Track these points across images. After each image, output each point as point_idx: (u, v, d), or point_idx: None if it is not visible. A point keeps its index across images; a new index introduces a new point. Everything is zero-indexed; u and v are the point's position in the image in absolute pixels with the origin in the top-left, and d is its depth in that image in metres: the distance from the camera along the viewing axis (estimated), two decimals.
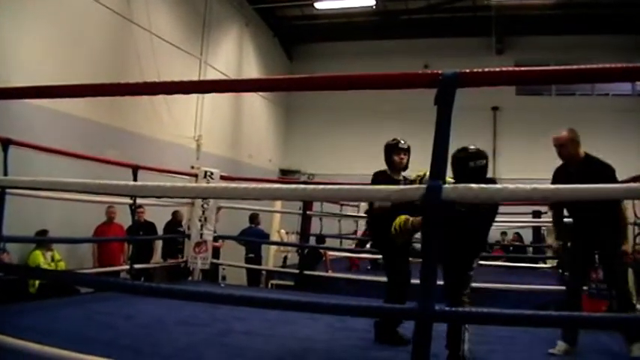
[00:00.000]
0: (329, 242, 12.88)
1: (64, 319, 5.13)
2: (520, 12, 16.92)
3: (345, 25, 18.82)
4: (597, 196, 3.35)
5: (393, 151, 5.08)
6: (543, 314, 2.70)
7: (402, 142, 5.10)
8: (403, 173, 5.15)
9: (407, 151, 5.10)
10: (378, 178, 5.03)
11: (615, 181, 4.46)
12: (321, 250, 10.79)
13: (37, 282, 7.88)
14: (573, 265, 4.84)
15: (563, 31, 17.11)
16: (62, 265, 8.56)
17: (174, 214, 10.54)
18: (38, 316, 5.14)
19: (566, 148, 4.72)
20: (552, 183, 4.81)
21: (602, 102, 17.70)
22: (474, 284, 7.18)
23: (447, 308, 2.59)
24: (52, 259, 8.41)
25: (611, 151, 16.14)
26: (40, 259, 8.22)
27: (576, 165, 4.70)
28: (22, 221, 7.96)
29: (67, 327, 4.75)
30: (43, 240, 8.34)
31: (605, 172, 4.49)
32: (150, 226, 10.19)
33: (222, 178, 8.55)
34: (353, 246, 13.28)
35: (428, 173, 2.49)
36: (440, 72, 2.37)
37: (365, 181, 5.18)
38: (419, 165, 4.27)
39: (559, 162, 4.80)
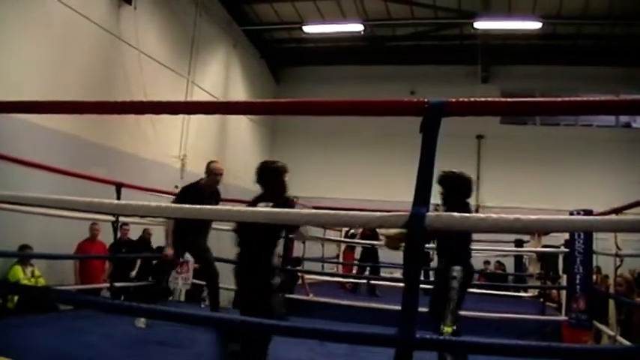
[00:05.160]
0: (312, 266, 12.76)
1: (43, 336, 5.06)
2: (506, 41, 17.13)
3: (333, 49, 18.95)
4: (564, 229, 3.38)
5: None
6: (524, 344, 2.68)
7: None
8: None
9: None
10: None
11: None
12: (298, 274, 10.68)
13: (15, 297, 7.78)
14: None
15: (548, 61, 17.33)
16: (42, 282, 8.44)
17: (144, 232, 10.48)
18: (16, 332, 5.08)
19: (222, 178, 6.57)
20: (182, 198, 6.13)
21: (586, 132, 17.85)
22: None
23: (427, 336, 2.56)
24: (32, 275, 8.31)
25: (594, 181, 16.34)
26: (20, 274, 8.11)
27: (212, 190, 6.50)
28: (1, 235, 7.88)
29: (45, 345, 4.69)
30: (23, 255, 8.24)
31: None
32: (133, 244, 10.11)
33: None
34: (335, 269, 13.28)
35: None
36: (426, 100, 2.37)
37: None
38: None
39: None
